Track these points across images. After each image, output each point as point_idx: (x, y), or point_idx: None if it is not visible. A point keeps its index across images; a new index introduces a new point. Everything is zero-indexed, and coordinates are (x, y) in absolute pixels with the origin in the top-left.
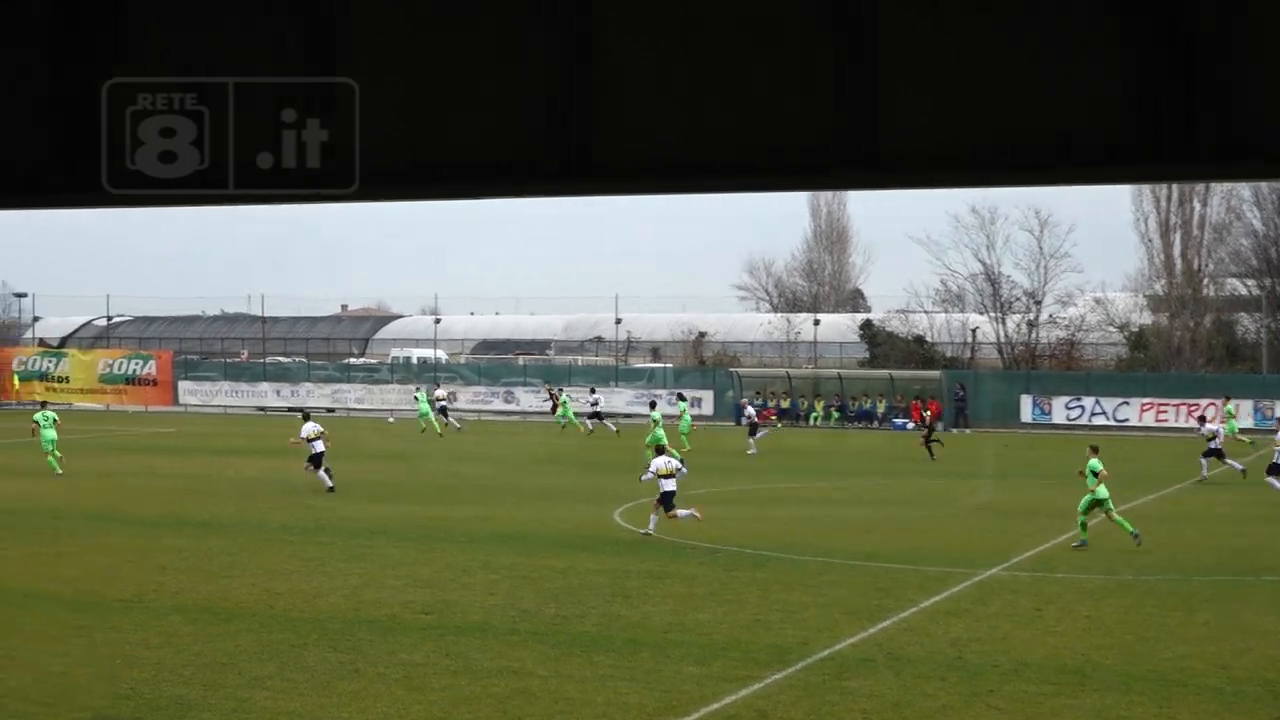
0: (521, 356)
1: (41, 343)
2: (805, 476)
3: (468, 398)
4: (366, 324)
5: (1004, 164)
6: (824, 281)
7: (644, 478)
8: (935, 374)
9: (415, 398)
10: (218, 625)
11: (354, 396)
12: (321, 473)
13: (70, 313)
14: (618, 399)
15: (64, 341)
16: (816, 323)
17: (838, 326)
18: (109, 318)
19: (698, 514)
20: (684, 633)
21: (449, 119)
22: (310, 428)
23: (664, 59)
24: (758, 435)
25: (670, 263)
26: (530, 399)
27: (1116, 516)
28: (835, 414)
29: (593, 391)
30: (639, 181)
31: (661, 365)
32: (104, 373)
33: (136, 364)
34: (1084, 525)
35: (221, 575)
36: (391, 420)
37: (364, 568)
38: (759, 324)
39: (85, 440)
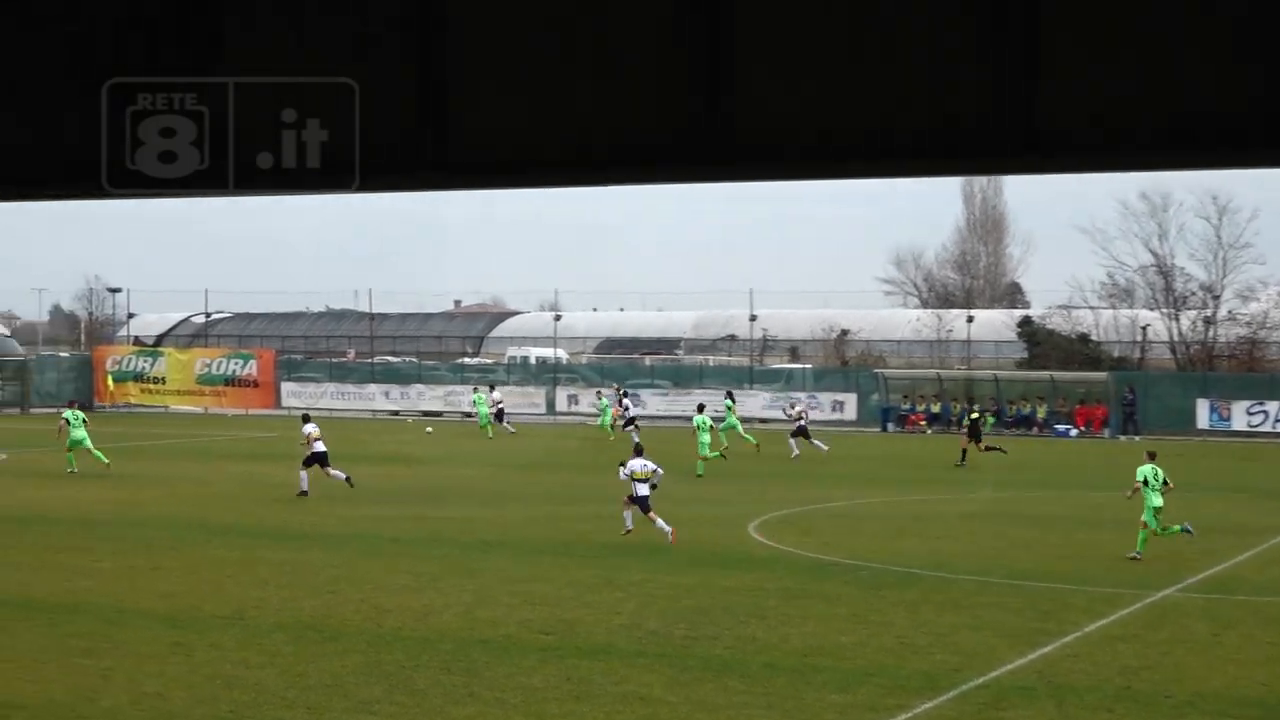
0: (648, 357)
1: (136, 341)
2: (958, 488)
3: (590, 400)
4: (481, 321)
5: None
6: (978, 274)
7: (622, 477)
8: (1101, 376)
9: (473, 400)
10: (323, 644)
11: (468, 399)
12: (333, 471)
13: (167, 309)
14: (753, 403)
15: (160, 340)
16: (970, 319)
17: (993, 323)
18: (207, 314)
19: (671, 536)
20: (824, 657)
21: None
22: (311, 428)
23: (797, 42)
24: (798, 441)
25: (809, 255)
26: (658, 402)
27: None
28: (990, 420)
29: (624, 395)
30: (779, 165)
31: (800, 366)
32: (202, 373)
33: (236, 364)
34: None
35: (326, 590)
36: (429, 430)
37: (479, 583)
38: (906, 321)
39: (182, 446)
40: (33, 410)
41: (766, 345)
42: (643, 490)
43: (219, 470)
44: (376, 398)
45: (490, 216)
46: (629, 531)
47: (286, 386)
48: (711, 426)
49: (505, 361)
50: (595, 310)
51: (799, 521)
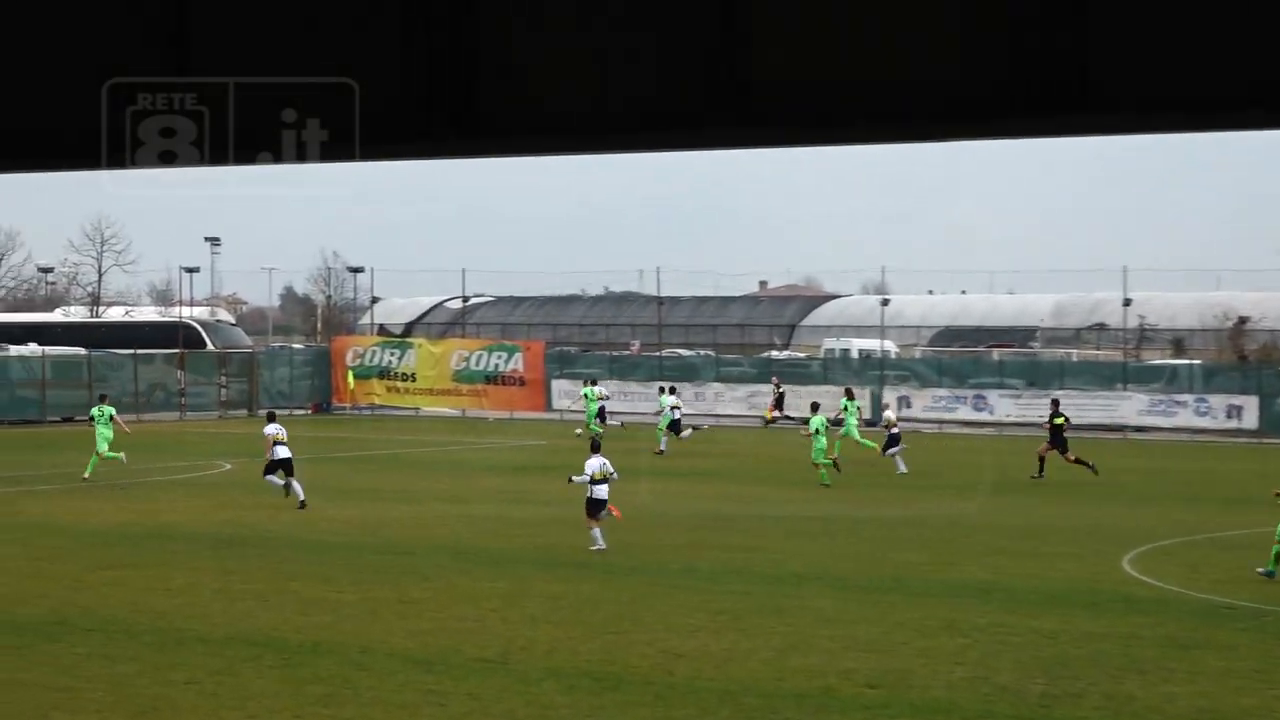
0: (996, 350)
1: (381, 330)
2: None
3: (924, 402)
4: (791, 307)
5: None
6: None
7: (575, 479)
8: None
9: (584, 395)
10: (603, 694)
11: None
12: (293, 483)
13: (417, 292)
14: (1127, 406)
15: (409, 329)
16: None
17: None
18: (465, 298)
19: (614, 512)
20: None
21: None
22: (273, 429)
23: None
24: (894, 450)
25: (1195, 225)
26: (1008, 405)
27: None
28: None
29: (670, 392)
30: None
31: (1186, 362)
32: (459, 369)
33: (499, 358)
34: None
35: (607, 630)
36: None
37: (790, 624)
38: None
39: (434, 455)
40: (261, 411)
41: (1144, 336)
42: (602, 493)
43: (478, 485)
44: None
45: (796, 184)
46: (600, 549)
47: (558, 385)
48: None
49: (821, 355)
50: (930, 293)
51: (1182, 554)
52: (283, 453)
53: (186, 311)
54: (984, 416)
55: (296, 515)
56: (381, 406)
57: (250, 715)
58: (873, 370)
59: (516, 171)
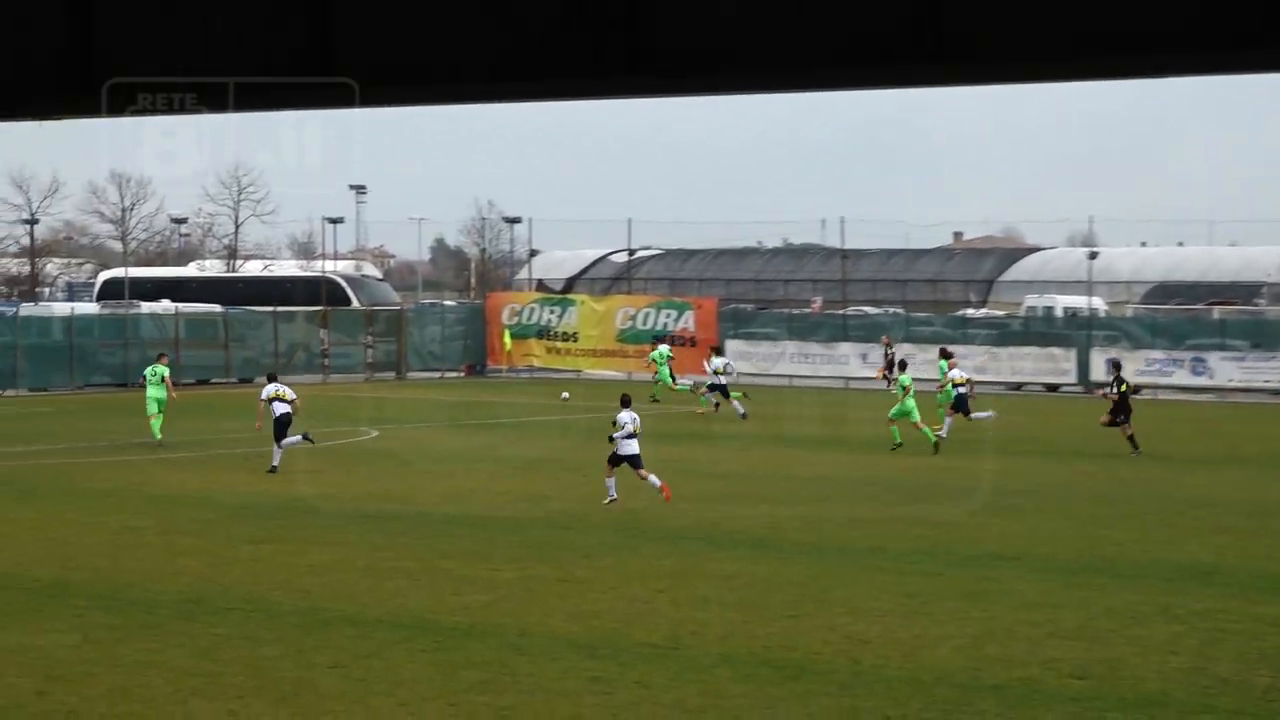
0: (1216, 308)
1: (540, 286)
2: None
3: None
4: (989, 260)
5: None
6: None
7: (614, 436)
8: None
9: (652, 359)
10: (781, 684)
11: (972, 363)
12: (291, 438)
13: (579, 244)
14: None
15: (570, 284)
16: None
17: None
18: (630, 251)
19: (665, 493)
20: None
21: None
22: (272, 388)
23: None
24: (974, 415)
25: None
26: (1230, 369)
27: None
28: None
29: (718, 353)
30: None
31: None
32: (624, 328)
33: (668, 316)
34: None
35: (785, 613)
36: (565, 397)
37: (987, 609)
38: None
39: (596, 422)
40: (410, 375)
41: None
42: (633, 448)
43: (648, 454)
44: (851, 360)
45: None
46: (613, 501)
47: (732, 345)
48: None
49: (1022, 313)
50: (1143, 245)
51: None
52: (281, 409)
53: (330, 265)
54: (1203, 381)
55: (447, 487)
56: (541, 369)
57: (400, 702)
58: (1079, 330)
59: (686, 114)
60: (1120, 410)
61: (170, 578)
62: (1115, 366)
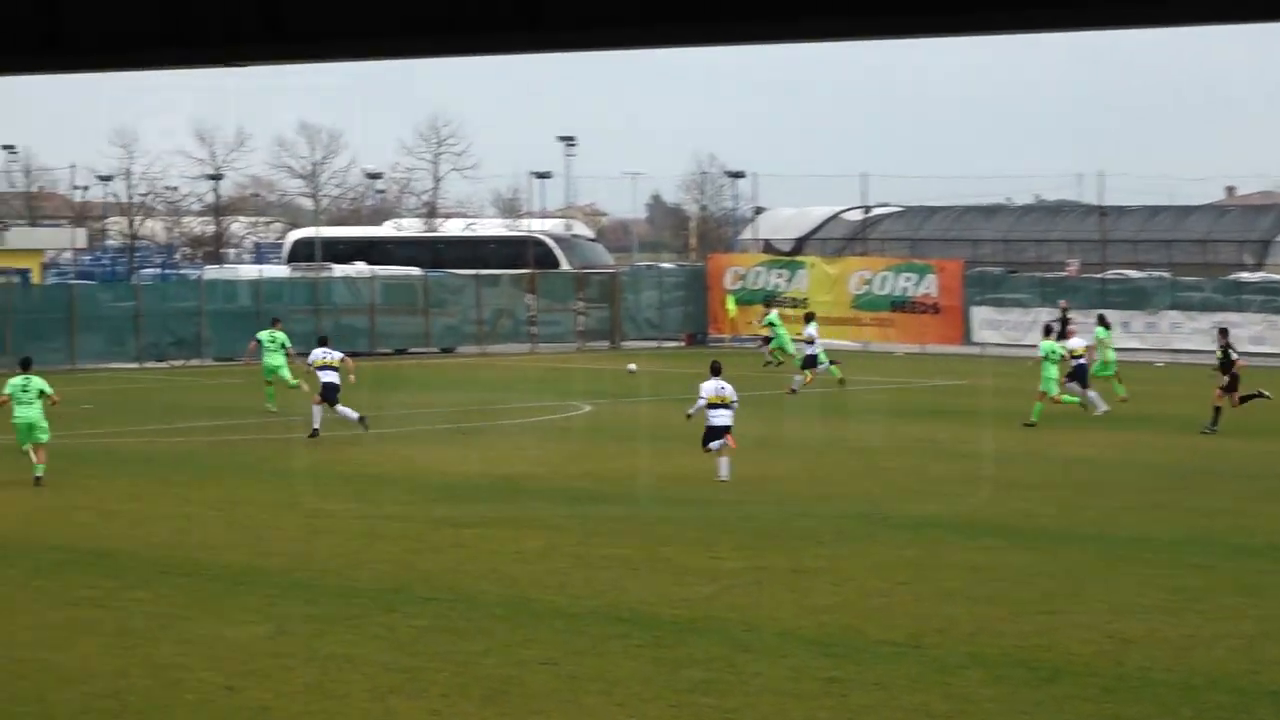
0: None
1: (767, 248)
2: None
3: None
4: (1267, 218)
5: None
6: None
7: (690, 411)
8: None
9: (769, 322)
10: (1035, 687)
11: (1247, 333)
12: (341, 409)
13: (809, 201)
14: None
15: (799, 246)
16: None
17: None
18: (866, 209)
19: (730, 442)
20: None
21: None
22: (319, 353)
23: None
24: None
25: None
26: None
27: None
28: None
29: (809, 320)
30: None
31: None
32: (859, 293)
33: (908, 280)
34: None
35: (1040, 609)
36: (633, 369)
37: (1265, 605)
38: None
39: (830, 397)
40: (625, 344)
41: None
42: (722, 419)
43: (889, 433)
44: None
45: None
46: (723, 481)
47: (978, 313)
48: (1063, 357)
49: None
50: None
51: None
52: (328, 377)
53: (537, 225)
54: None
55: (667, 467)
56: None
57: (617, 702)
58: None
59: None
60: (1235, 384)
61: (368, 565)
62: (1222, 334)
